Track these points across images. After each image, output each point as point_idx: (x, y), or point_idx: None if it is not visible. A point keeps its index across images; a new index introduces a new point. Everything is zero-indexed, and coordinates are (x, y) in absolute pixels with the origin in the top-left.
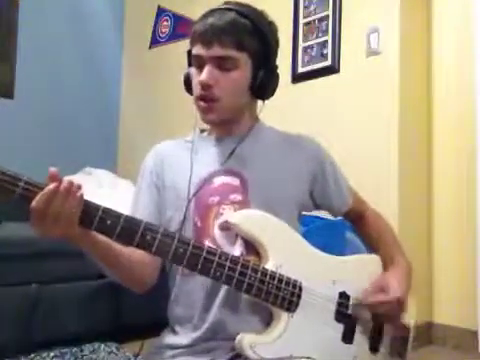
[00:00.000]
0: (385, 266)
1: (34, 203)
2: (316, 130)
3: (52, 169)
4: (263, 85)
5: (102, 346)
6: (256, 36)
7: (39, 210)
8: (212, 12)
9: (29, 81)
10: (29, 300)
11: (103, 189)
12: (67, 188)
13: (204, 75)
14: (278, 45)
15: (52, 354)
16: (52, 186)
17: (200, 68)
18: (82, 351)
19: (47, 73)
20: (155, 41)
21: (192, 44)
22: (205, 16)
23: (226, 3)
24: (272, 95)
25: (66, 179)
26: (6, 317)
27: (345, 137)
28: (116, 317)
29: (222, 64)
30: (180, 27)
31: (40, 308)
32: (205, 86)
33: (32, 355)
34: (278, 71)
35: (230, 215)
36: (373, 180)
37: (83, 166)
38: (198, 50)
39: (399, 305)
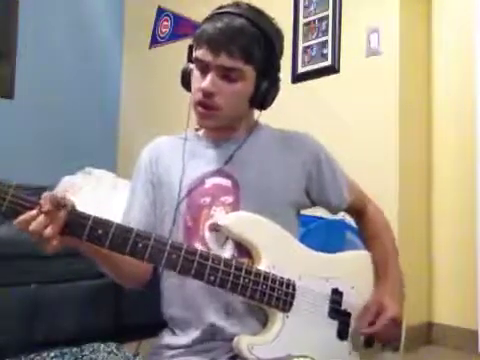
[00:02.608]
0: (376, 272)
1: (16, 222)
2: (316, 130)
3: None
4: (264, 97)
5: (102, 346)
6: (264, 47)
7: (21, 229)
8: (221, 15)
9: (29, 81)
10: (29, 300)
11: (103, 189)
12: (48, 211)
13: (207, 83)
14: (282, 53)
15: (52, 354)
16: (34, 212)
17: (203, 72)
18: (82, 351)
19: (47, 73)
20: (155, 41)
21: (197, 45)
22: (213, 19)
23: (236, 5)
24: (271, 105)
25: (52, 197)
26: (6, 317)
27: (345, 137)
28: (116, 317)
29: (227, 74)
30: (180, 27)
31: (40, 308)
32: (207, 94)
33: (32, 355)
34: (280, 82)
35: (220, 217)
36: (373, 180)
37: (83, 166)
38: (204, 55)
39: (394, 325)
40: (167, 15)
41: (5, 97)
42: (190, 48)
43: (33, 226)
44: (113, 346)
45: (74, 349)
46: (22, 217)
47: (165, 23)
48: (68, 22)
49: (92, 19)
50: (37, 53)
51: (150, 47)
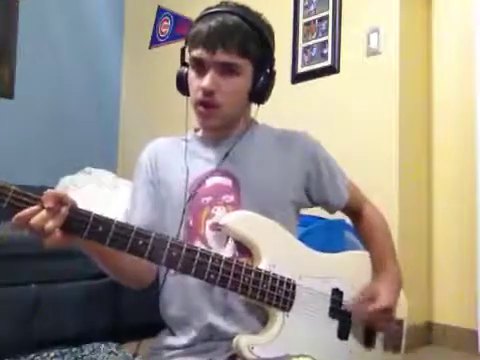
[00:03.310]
0: (374, 268)
1: (16, 217)
2: (316, 130)
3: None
4: (262, 91)
5: (102, 346)
6: (258, 42)
7: (21, 224)
8: (213, 14)
9: (29, 81)
10: (29, 300)
11: (103, 189)
12: (49, 207)
13: (207, 81)
14: (275, 47)
15: (52, 354)
16: (36, 207)
17: (200, 72)
18: (82, 351)
19: (47, 73)
20: (155, 41)
21: (192, 46)
22: (206, 18)
23: (224, 4)
24: (268, 98)
25: (54, 194)
26: (6, 317)
27: (345, 137)
28: (116, 317)
29: (225, 70)
30: (180, 27)
31: (40, 308)
32: (207, 92)
33: (32, 355)
34: (275, 75)
35: (221, 217)
36: (373, 180)
37: (83, 166)
38: (200, 54)
39: (386, 314)
40: (167, 15)
41: (5, 97)
42: (182, 51)
43: (34, 220)
44: (113, 346)
45: (74, 349)
46: (24, 211)
47: (165, 23)
48: (68, 22)
49: (92, 19)
50: (37, 53)
51: (150, 47)
